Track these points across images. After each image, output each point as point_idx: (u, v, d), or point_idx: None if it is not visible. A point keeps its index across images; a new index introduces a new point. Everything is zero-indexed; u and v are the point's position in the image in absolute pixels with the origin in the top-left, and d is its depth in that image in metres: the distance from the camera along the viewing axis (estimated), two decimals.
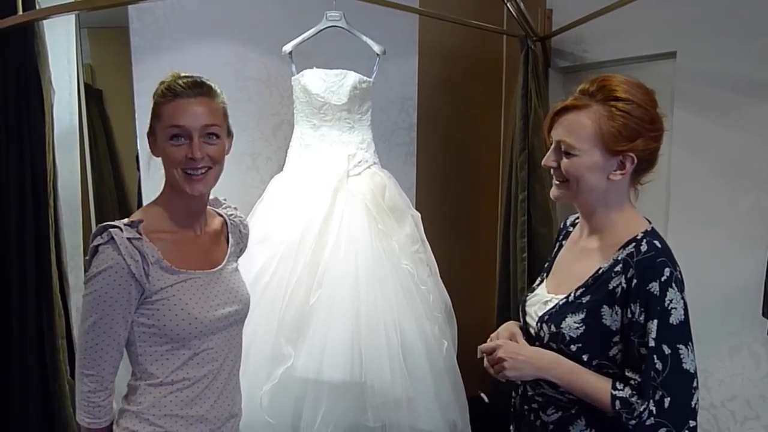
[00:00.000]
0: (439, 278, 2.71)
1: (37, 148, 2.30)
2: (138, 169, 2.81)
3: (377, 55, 2.74)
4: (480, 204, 3.67)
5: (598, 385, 1.39)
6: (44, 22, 2.33)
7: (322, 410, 2.29)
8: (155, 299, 1.46)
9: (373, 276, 2.40)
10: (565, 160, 1.45)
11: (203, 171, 1.50)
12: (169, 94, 1.48)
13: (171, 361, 1.51)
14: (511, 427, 1.71)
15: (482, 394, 3.64)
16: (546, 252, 3.14)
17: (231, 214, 1.77)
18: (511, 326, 1.63)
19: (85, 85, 2.85)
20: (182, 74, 1.53)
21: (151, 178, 2.72)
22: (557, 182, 1.50)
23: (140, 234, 1.45)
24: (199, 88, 1.51)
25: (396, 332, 2.37)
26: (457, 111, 3.51)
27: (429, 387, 2.43)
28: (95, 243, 1.43)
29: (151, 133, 1.54)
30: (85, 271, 1.46)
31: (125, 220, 1.47)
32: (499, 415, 3.41)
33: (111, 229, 1.42)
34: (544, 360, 1.46)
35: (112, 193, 3.18)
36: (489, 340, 1.59)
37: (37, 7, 2.32)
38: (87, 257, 1.46)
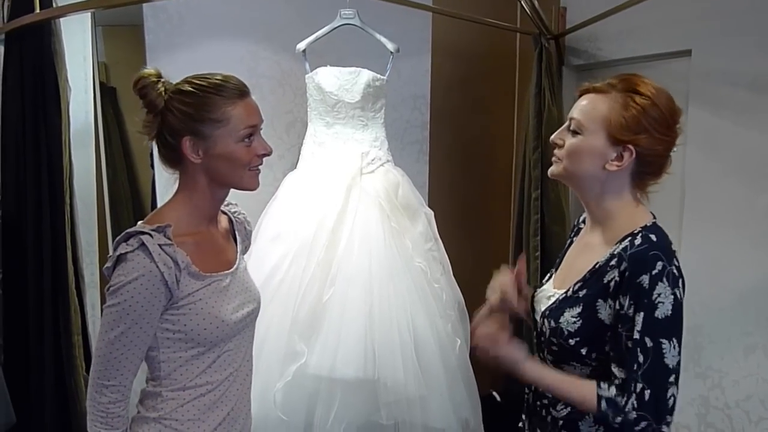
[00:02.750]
0: (452, 276, 2.71)
1: (53, 146, 2.33)
2: (152, 166, 2.83)
3: (391, 53, 2.74)
4: (493, 202, 3.67)
5: (584, 392, 1.40)
6: (61, 20, 2.35)
7: (335, 407, 2.29)
8: (182, 305, 1.41)
9: (387, 274, 2.40)
10: (569, 138, 1.47)
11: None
12: (231, 94, 1.45)
13: (195, 366, 1.47)
14: (526, 423, 1.72)
15: (494, 393, 3.63)
16: (559, 250, 3.13)
17: (235, 212, 1.73)
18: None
19: (100, 83, 2.87)
20: (200, 75, 1.48)
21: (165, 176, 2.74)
22: (555, 159, 1.52)
23: (170, 239, 1.39)
24: (243, 82, 1.50)
25: (409, 330, 2.37)
26: (470, 109, 3.51)
27: (442, 385, 2.43)
28: (122, 251, 1.35)
29: (202, 138, 1.44)
30: (108, 279, 1.39)
31: (148, 225, 1.39)
32: (510, 414, 3.42)
33: (141, 236, 1.35)
34: (530, 377, 1.49)
35: (125, 190, 3.20)
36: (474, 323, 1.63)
37: (54, 5, 2.34)
38: (108, 265, 1.39)
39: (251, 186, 1.52)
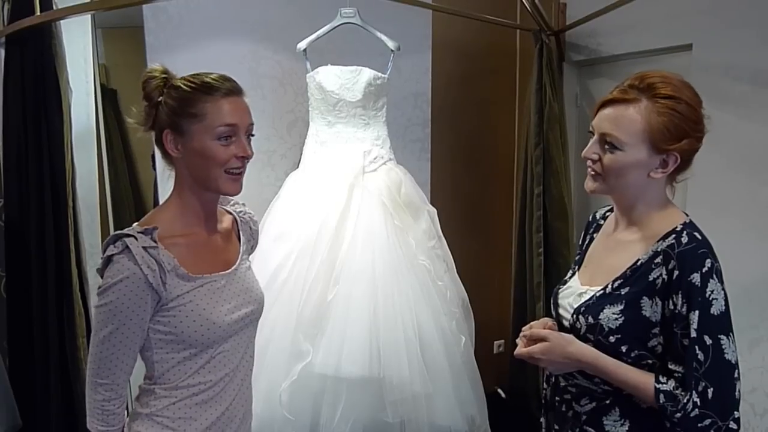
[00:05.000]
0: (456, 274, 2.71)
1: (55, 148, 2.32)
2: (154, 168, 2.83)
3: (391, 51, 2.74)
4: (495, 199, 3.67)
5: (641, 380, 1.39)
6: (61, 22, 2.35)
7: (341, 406, 2.30)
8: (171, 306, 1.42)
9: (390, 272, 2.40)
10: (608, 155, 1.43)
11: (242, 170, 1.49)
12: (211, 90, 1.43)
13: (188, 366, 1.48)
14: (542, 419, 1.71)
15: (499, 390, 3.64)
16: (562, 246, 3.16)
17: (240, 211, 1.72)
18: (544, 320, 1.62)
19: (101, 85, 2.86)
20: (195, 73, 1.48)
21: (167, 177, 2.73)
22: (594, 174, 1.49)
23: (155, 242, 1.40)
24: (236, 84, 1.48)
25: (414, 328, 2.37)
26: (471, 106, 3.51)
27: (447, 382, 2.43)
28: (109, 253, 1.37)
29: (179, 133, 1.44)
30: (101, 279, 1.42)
31: (138, 227, 1.42)
32: (515, 411, 3.42)
33: (125, 239, 1.37)
34: (585, 359, 1.44)
35: (127, 192, 3.19)
36: (521, 334, 1.58)
37: (54, 7, 2.34)
38: (99, 267, 1.41)
39: (229, 190, 1.49)
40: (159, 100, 1.46)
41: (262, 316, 1.67)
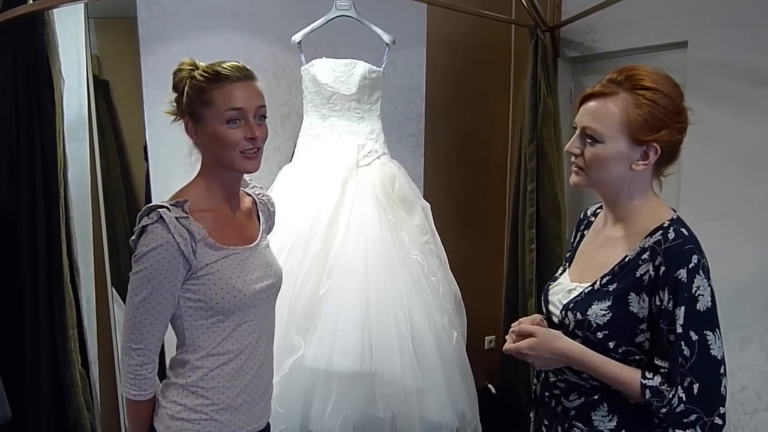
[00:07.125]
0: (449, 269, 2.70)
1: (47, 138, 2.31)
2: (146, 159, 2.81)
3: (386, 44, 2.73)
4: (488, 195, 3.67)
5: (627, 375, 1.40)
6: (54, 11, 2.33)
7: (332, 400, 2.30)
8: (201, 274, 1.53)
9: (383, 266, 2.40)
10: (589, 148, 1.44)
11: (256, 149, 1.58)
12: (220, 79, 1.53)
13: (216, 333, 1.58)
14: (531, 414, 1.72)
15: (489, 386, 3.64)
16: (555, 243, 3.16)
17: (258, 194, 1.84)
18: (534, 317, 1.64)
19: (93, 76, 2.84)
20: (212, 63, 1.57)
21: (160, 169, 2.72)
22: (577, 169, 1.50)
23: (186, 213, 1.51)
24: (246, 71, 1.57)
25: (406, 323, 2.37)
26: (465, 101, 3.51)
27: (439, 378, 2.43)
28: (143, 223, 1.48)
29: (196, 119, 1.56)
30: (132, 251, 1.52)
31: (169, 201, 1.52)
32: (506, 406, 3.43)
33: (159, 209, 1.47)
34: (572, 355, 1.46)
35: (119, 183, 3.18)
36: (510, 330, 1.59)
37: None
38: (133, 237, 1.51)
39: (245, 168, 1.58)
40: (183, 90, 1.57)
41: None
